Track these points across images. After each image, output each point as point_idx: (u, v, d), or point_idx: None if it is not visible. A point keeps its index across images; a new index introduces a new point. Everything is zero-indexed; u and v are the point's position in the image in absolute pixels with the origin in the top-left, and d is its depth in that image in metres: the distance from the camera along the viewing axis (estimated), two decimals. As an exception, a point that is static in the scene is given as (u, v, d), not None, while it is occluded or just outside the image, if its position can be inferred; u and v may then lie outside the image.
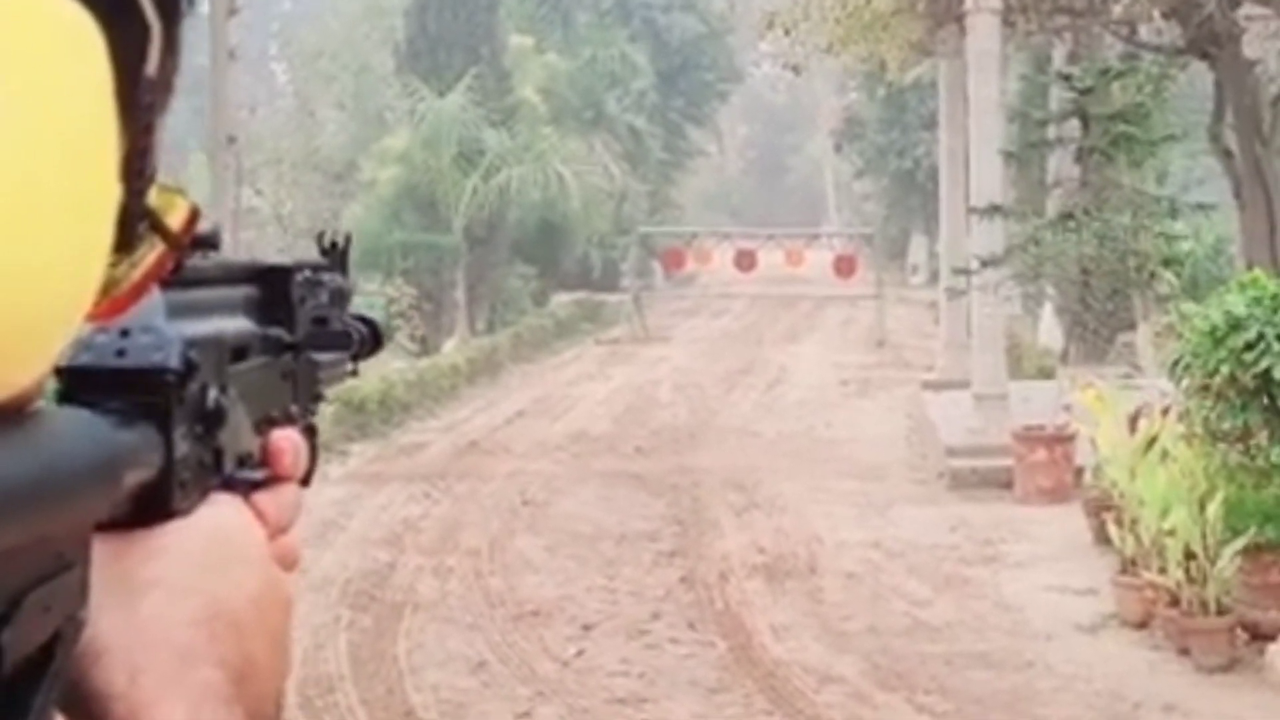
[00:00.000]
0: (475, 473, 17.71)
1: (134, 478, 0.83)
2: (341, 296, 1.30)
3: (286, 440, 1.09)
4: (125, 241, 0.76)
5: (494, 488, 16.75)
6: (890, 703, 9.60)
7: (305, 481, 1.19)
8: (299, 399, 1.20)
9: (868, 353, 30.94)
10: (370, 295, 30.55)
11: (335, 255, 1.34)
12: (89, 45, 0.69)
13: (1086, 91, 15.89)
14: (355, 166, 35.56)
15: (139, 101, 0.74)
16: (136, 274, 0.84)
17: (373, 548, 14.04)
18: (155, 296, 0.91)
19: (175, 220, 0.86)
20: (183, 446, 0.91)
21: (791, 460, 18.25)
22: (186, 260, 0.94)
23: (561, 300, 38.23)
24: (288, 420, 1.16)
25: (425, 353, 28.45)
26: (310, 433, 1.24)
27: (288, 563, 1.05)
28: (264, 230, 36.68)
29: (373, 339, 1.41)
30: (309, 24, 50.03)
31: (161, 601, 0.89)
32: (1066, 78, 17.16)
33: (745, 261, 36.99)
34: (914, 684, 9.91)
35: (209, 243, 1.00)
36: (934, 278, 37.62)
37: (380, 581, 12.80)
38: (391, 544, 14.19)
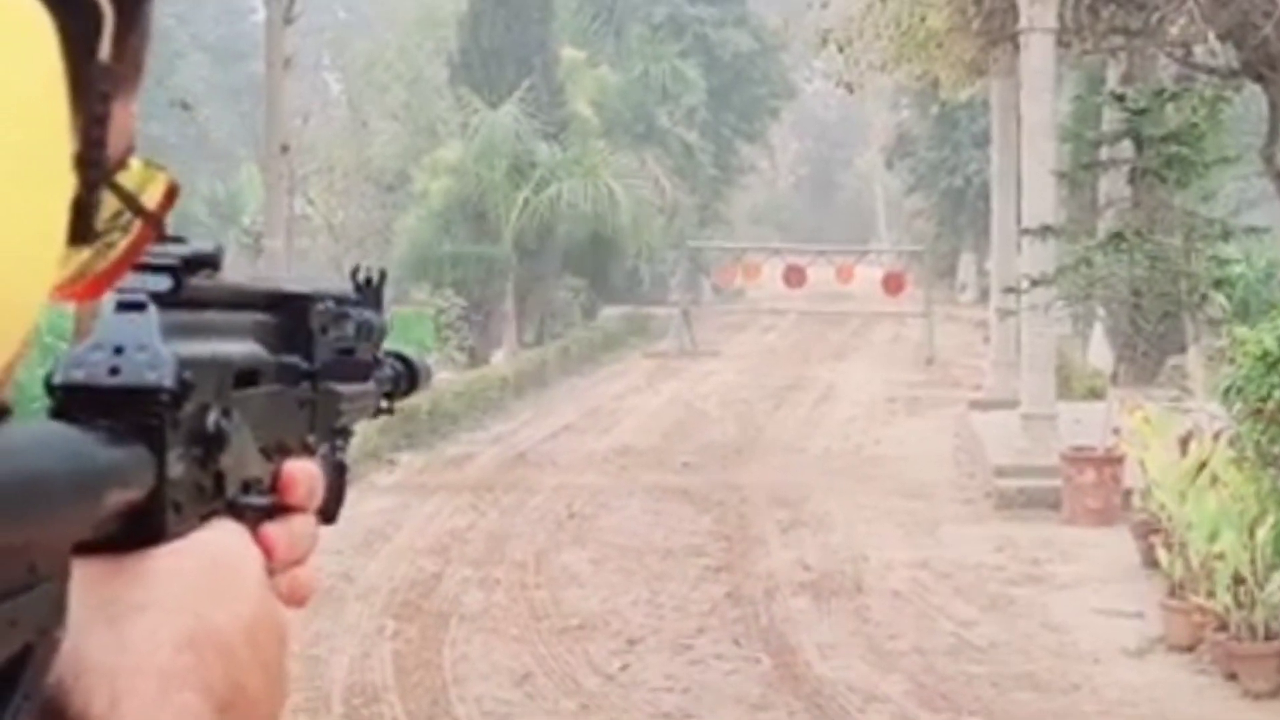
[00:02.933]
0: (522, 485, 17.73)
1: (120, 497, 0.82)
2: (371, 331, 1.28)
3: (301, 470, 1.06)
4: (85, 231, 0.75)
5: (540, 500, 16.76)
6: (935, 723, 9.58)
7: (329, 518, 1.16)
8: (317, 429, 1.17)
9: (916, 371, 30.86)
10: (420, 305, 30.64)
11: (368, 291, 1.31)
12: (35, 29, 0.68)
13: (1140, 112, 15.83)
14: (407, 177, 35.60)
15: (92, 88, 0.73)
16: (114, 254, 0.84)
17: (419, 558, 14.06)
18: (152, 314, 0.90)
19: (153, 197, 0.86)
20: (177, 468, 0.89)
21: (838, 478, 18.21)
22: (189, 279, 0.94)
23: (610, 313, 38.23)
24: (305, 450, 1.13)
25: (474, 364, 28.49)
26: (338, 469, 1.22)
27: (299, 596, 1.02)
28: (315, 239, 36.78)
29: (409, 378, 1.40)
30: (363, 34, 50.21)
31: (148, 625, 0.86)
32: (1120, 98, 17.10)
33: (794, 277, 36.95)
34: (959, 705, 9.88)
35: (211, 262, 0.97)
36: (983, 296, 37.54)
37: (426, 592, 12.82)
38: (438, 554, 14.22)
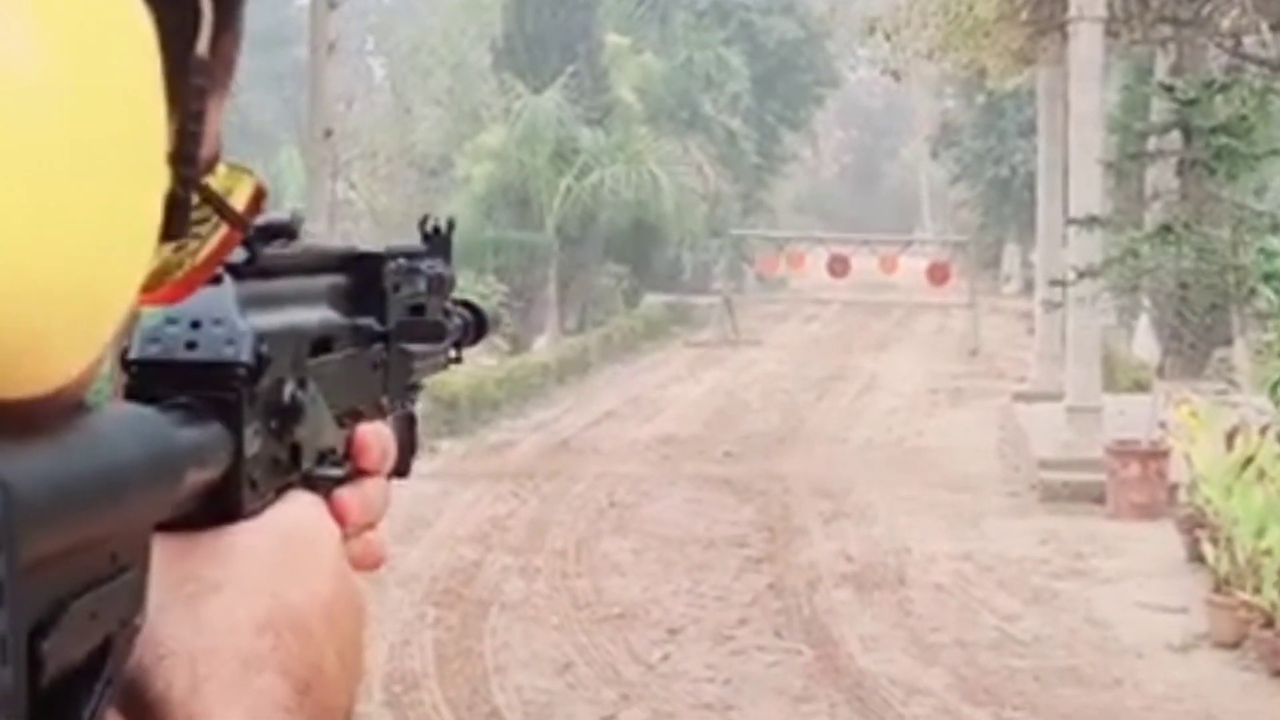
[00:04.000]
0: (563, 473, 17.71)
1: (199, 477, 0.80)
2: (441, 284, 1.27)
3: (373, 434, 1.06)
4: (176, 228, 0.72)
5: (582, 488, 16.73)
6: (977, 717, 9.51)
7: (403, 472, 1.17)
8: (390, 390, 1.16)
9: (960, 362, 30.76)
10: (461, 291, 30.61)
11: (437, 241, 1.30)
12: (135, 22, 0.66)
13: (1189, 103, 15.71)
14: (450, 162, 35.66)
15: (189, 84, 0.71)
16: (199, 257, 0.82)
17: (460, 545, 14.05)
18: (228, 286, 0.88)
19: (240, 200, 0.84)
20: (254, 444, 0.88)
21: (881, 469, 18.15)
22: (263, 249, 0.92)
23: (652, 301, 38.19)
24: (378, 413, 1.12)
25: (516, 350, 28.47)
26: (409, 421, 1.22)
27: (371, 560, 1.02)
28: (358, 224, 36.85)
29: (476, 326, 1.39)
30: (406, 18, 50.30)
31: (227, 605, 0.85)
32: (1169, 89, 16.98)
33: (838, 267, 36.89)
34: (1002, 699, 9.82)
35: (286, 231, 0.96)
36: (1027, 287, 37.46)
37: (467, 579, 12.80)
38: (479, 542, 14.20)
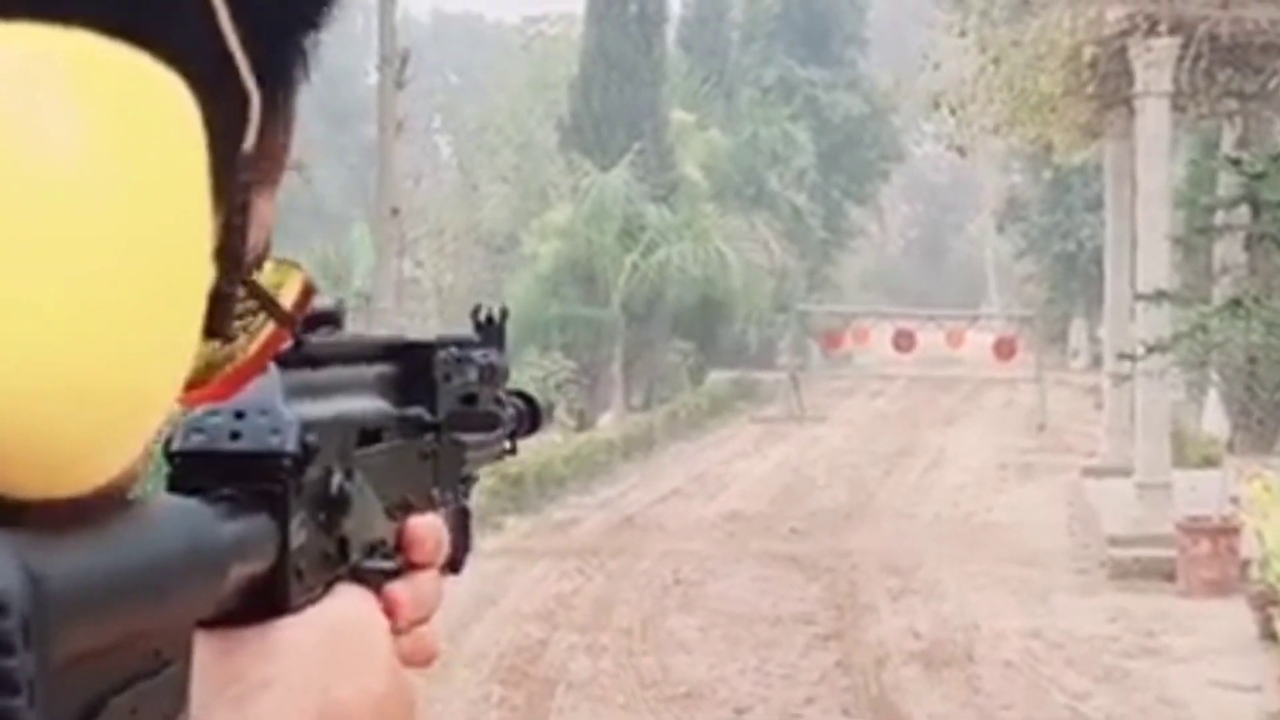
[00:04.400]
0: (629, 550, 17.66)
1: (244, 570, 0.79)
2: (494, 373, 1.25)
3: (425, 527, 1.04)
4: (220, 325, 0.71)
5: (647, 565, 16.68)
6: (1049, 798, 9.41)
7: (455, 568, 1.15)
8: (441, 482, 1.13)
9: (1028, 437, 30.60)
10: (528, 368, 30.70)
11: (490, 330, 1.29)
12: (183, 115, 0.64)
13: (1257, 177, 15.62)
14: (516, 240, 35.76)
15: (235, 177, 0.70)
16: (248, 353, 0.81)
17: (526, 623, 14.01)
18: (274, 376, 0.86)
19: (289, 295, 0.82)
20: (300, 536, 0.86)
21: (949, 545, 18.03)
22: (309, 338, 0.91)
23: (718, 377, 38.16)
24: (429, 504, 1.10)
25: (581, 427, 28.47)
26: (462, 515, 1.20)
27: (424, 656, 1.00)
28: (424, 302, 36.97)
29: (531, 417, 1.37)
30: (473, 97, 50.59)
31: (275, 704, 0.82)
32: (1236, 162, 16.90)
33: (904, 342, 36.85)
34: (1073, 779, 9.71)
35: (331, 319, 0.95)
36: (1095, 362, 37.29)
37: (533, 658, 12.76)
38: (544, 620, 14.16)
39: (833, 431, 31.35)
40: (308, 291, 0.84)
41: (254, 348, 0.81)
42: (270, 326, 0.82)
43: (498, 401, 1.27)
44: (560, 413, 28.83)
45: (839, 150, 48.66)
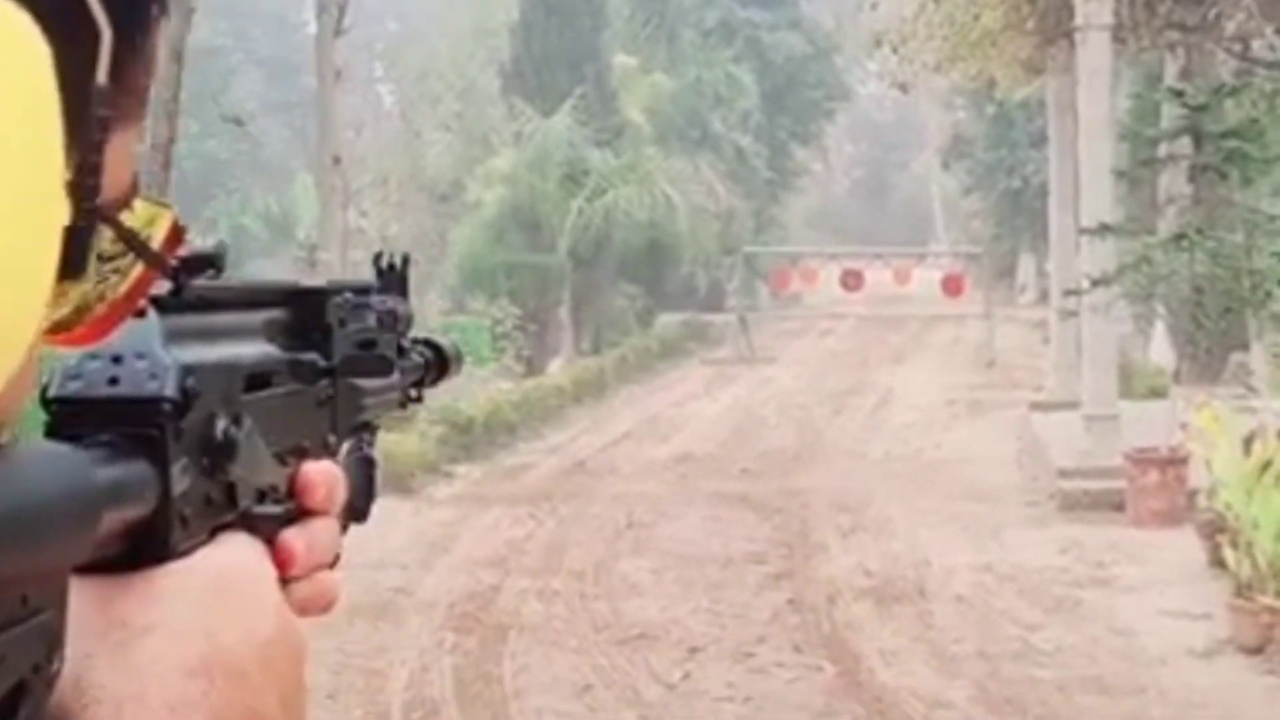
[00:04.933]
0: (581, 494, 17.67)
1: (121, 516, 0.77)
2: (395, 320, 1.23)
3: (319, 473, 1.02)
4: (78, 263, 0.70)
5: (599, 509, 16.70)
6: (1001, 730, 9.46)
7: (360, 517, 1.14)
8: (339, 428, 1.12)
9: (976, 373, 30.70)
10: (475, 316, 30.64)
11: (392, 277, 1.28)
12: (30, 49, 0.63)
13: (1199, 108, 15.66)
14: (461, 187, 35.65)
15: (89, 113, 0.68)
16: (118, 293, 0.79)
17: (478, 569, 14.02)
18: (153, 320, 0.85)
19: (157, 237, 0.81)
20: (183, 481, 0.84)
21: (899, 482, 18.10)
22: (191, 282, 0.89)
23: (667, 321, 38.18)
24: (325, 451, 1.08)
25: (530, 373, 28.45)
26: (367, 464, 1.18)
27: (324, 602, 0.99)
28: (370, 251, 36.84)
29: (439, 364, 1.36)
30: (415, 45, 50.29)
31: (157, 649, 0.81)
32: (1179, 94, 16.95)
33: (852, 281, 36.84)
34: (1025, 710, 9.76)
35: (213, 262, 0.92)
36: (1043, 297, 37.42)
37: (485, 604, 12.76)
38: (497, 566, 14.16)
39: (782, 372, 31.40)
40: (177, 231, 0.83)
41: (125, 287, 0.80)
42: (136, 270, 0.80)
43: (400, 348, 1.26)
44: (509, 359, 28.82)
45: (782, 91, 48.60)
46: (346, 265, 22.14)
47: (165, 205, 0.82)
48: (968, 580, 13.17)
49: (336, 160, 20.72)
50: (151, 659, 0.81)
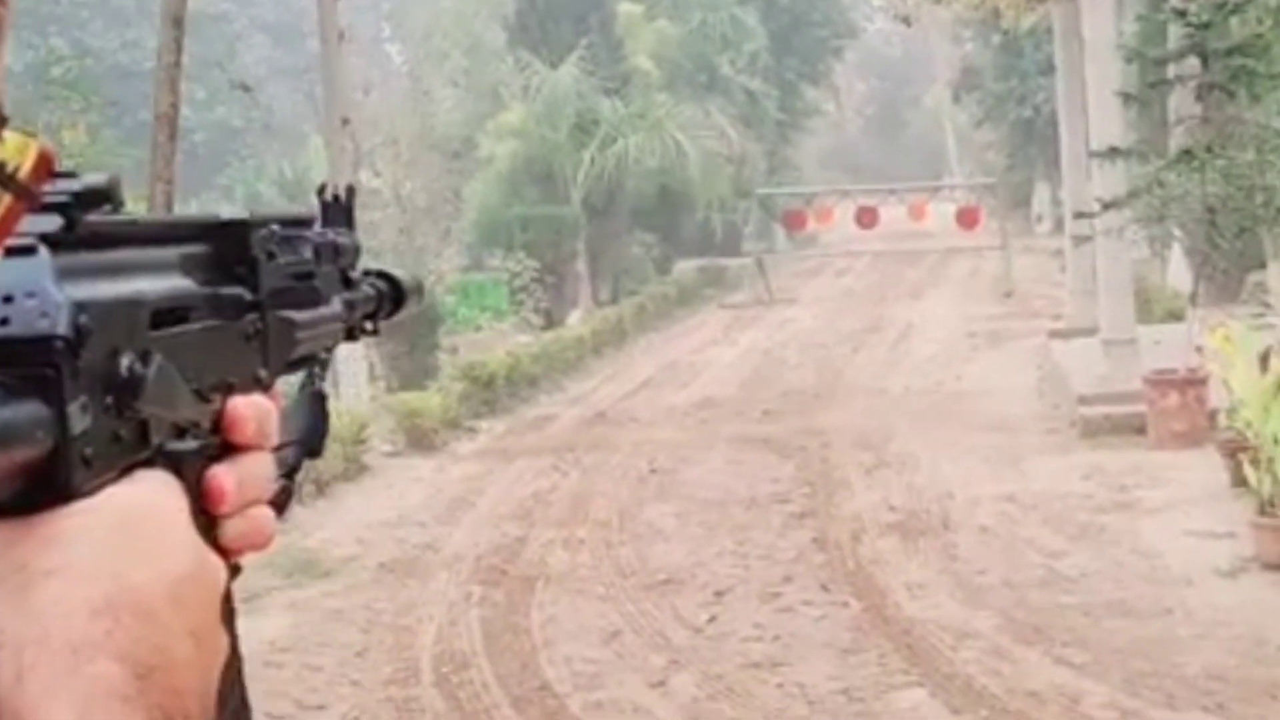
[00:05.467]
0: (603, 443, 17.70)
1: (14, 457, 0.77)
2: (337, 252, 1.22)
3: (247, 406, 1.00)
4: None
5: (622, 457, 16.73)
6: (1028, 657, 9.47)
7: (315, 452, 1.13)
8: (270, 363, 1.09)
9: (995, 304, 30.69)
10: (493, 272, 30.65)
11: (334, 209, 1.26)
12: None
13: (1204, 26, 15.58)
14: (472, 143, 35.57)
15: None
16: None
17: (503, 522, 14.06)
18: (44, 257, 0.83)
19: (25, 167, 0.80)
20: (83, 420, 0.83)
21: (921, 416, 18.11)
22: (85, 217, 0.88)
23: (684, 267, 38.15)
24: (257, 386, 1.06)
25: (550, 326, 28.46)
26: (318, 399, 1.18)
27: (259, 538, 0.98)
28: (385, 210, 36.81)
29: (394, 297, 1.34)
30: (421, 3, 50.14)
31: (59, 591, 0.80)
32: (1182, 14, 16.84)
33: (867, 218, 36.78)
34: (1052, 636, 9.78)
35: (107, 197, 0.90)
36: (1059, 226, 37.26)
37: (511, 556, 12.80)
38: (522, 518, 14.20)
39: (801, 312, 31.39)
40: (44, 161, 0.81)
41: None
42: (7, 200, 0.79)
43: (348, 281, 1.25)
44: (528, 313, 28.84)
45: (789, 31, 48.41)
46: (361, 225, 22.11)
47: (33, 135, 0.81)
48: (991, 510, 13.19)
49: (345, 121, 20.69)
50: (54, 600, 0.80)
